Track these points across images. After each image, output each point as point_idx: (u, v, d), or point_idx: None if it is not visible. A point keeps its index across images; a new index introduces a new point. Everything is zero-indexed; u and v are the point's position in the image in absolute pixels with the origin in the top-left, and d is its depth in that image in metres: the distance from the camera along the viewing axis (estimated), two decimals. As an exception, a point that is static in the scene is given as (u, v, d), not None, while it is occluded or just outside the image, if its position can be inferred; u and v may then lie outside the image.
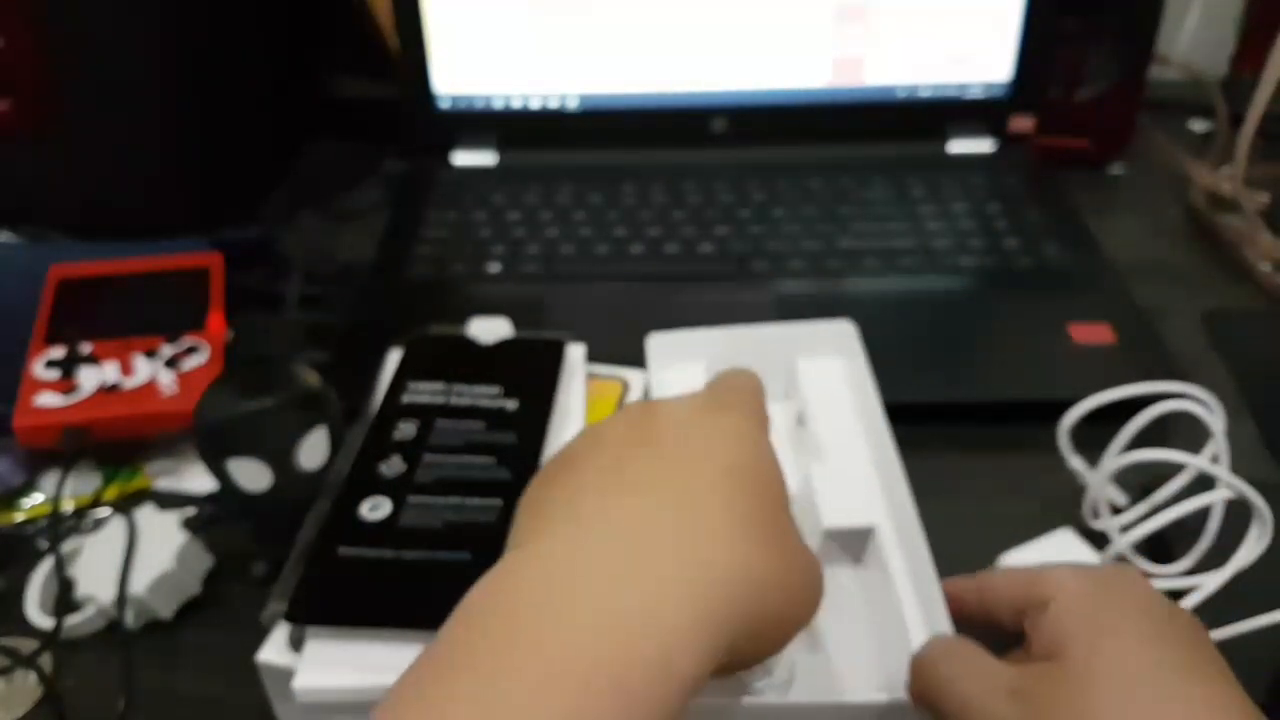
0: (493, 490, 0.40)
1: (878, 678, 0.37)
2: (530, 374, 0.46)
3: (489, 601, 0.27)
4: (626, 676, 0.25)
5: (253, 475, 0.44)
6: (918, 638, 0.36)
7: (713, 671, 0.27)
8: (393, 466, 0.41)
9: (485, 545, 0.38)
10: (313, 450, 0.44)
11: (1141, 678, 0.29)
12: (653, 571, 0.27)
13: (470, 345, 0.48)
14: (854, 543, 0.41)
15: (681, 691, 0.25)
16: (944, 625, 0.36)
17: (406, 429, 0.43)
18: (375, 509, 0.39)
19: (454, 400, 0.44)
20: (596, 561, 0.27)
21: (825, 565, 0.34)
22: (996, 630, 0.35)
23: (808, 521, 0.41)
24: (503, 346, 0.48)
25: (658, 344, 0.49)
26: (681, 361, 0.48)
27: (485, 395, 0.45)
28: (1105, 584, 0.33)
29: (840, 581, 0.41)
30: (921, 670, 0.34)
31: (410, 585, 0.37)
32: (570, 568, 0.27)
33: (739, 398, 0.35)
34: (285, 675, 0.36)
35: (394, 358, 0.48)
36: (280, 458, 0.44)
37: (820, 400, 0.47)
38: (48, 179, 0.64)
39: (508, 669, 0.24)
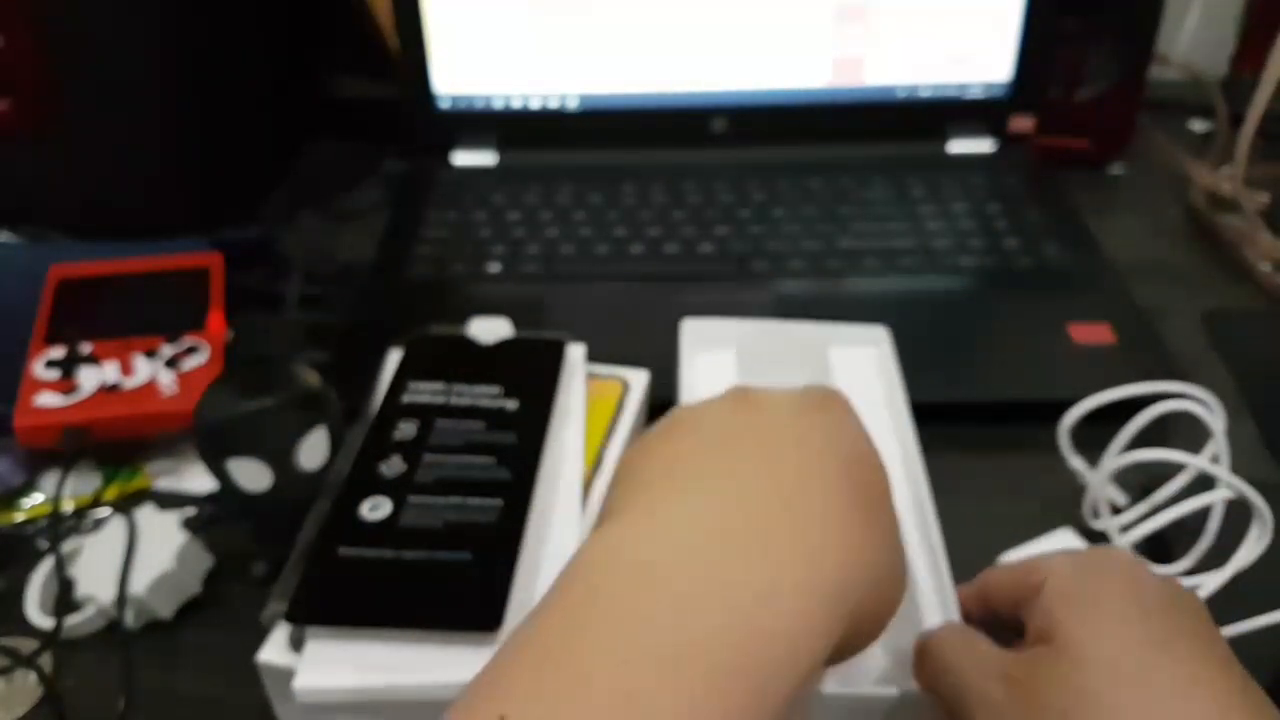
0: (493, 490, 0.40)
1: (892, 672, 0.37)
2: (530, 374, 0.46)
3: (596, 572, 0.26)
4: (753, 652, 0.24)
5: (253, 475, 0.44)
6: None
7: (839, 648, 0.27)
8: (393, 466, 0.41)
9: (486, 545, 0.38)
10: (313, 450, 0.44)
11: (1128, 654, 0.29)
12: (770, 548, 0.26)
13: (470, 345, 0.48)
14: None
15: (805, 674, 0.25)
16: (958, 620, 0.36)
17: (407, 429, 0.43)
18: (375, 509, 0.39)
19: (454, 400, 0.44)
20: (712, 531, 0.26)
21: None
22: (1003, 630, 0.35)
23: None
24: (503, 346, 0.48)
25: (691, 330, 0.49)
26: (713, 349, 0.49)
27: (485, 395, 0.45)
28: (1093, 564, 0.33)
29: None
30: (922, 657, 0.34)
31: (411, 585, 0.37)
32: (684, 535, 0.26)
33: (837, 400, 0.34)
34: (285, 675, 0.36)
35: (394, 358, 0.48)
36: (280, 458, 0.44)
37: (850, 389, 0.47)
38: (48, 179, 0.64)
39: (629, 645, 0.23)
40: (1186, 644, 0.30)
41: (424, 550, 0.38)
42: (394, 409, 0.44)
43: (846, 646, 0.29)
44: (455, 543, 0.38)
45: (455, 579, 0.37)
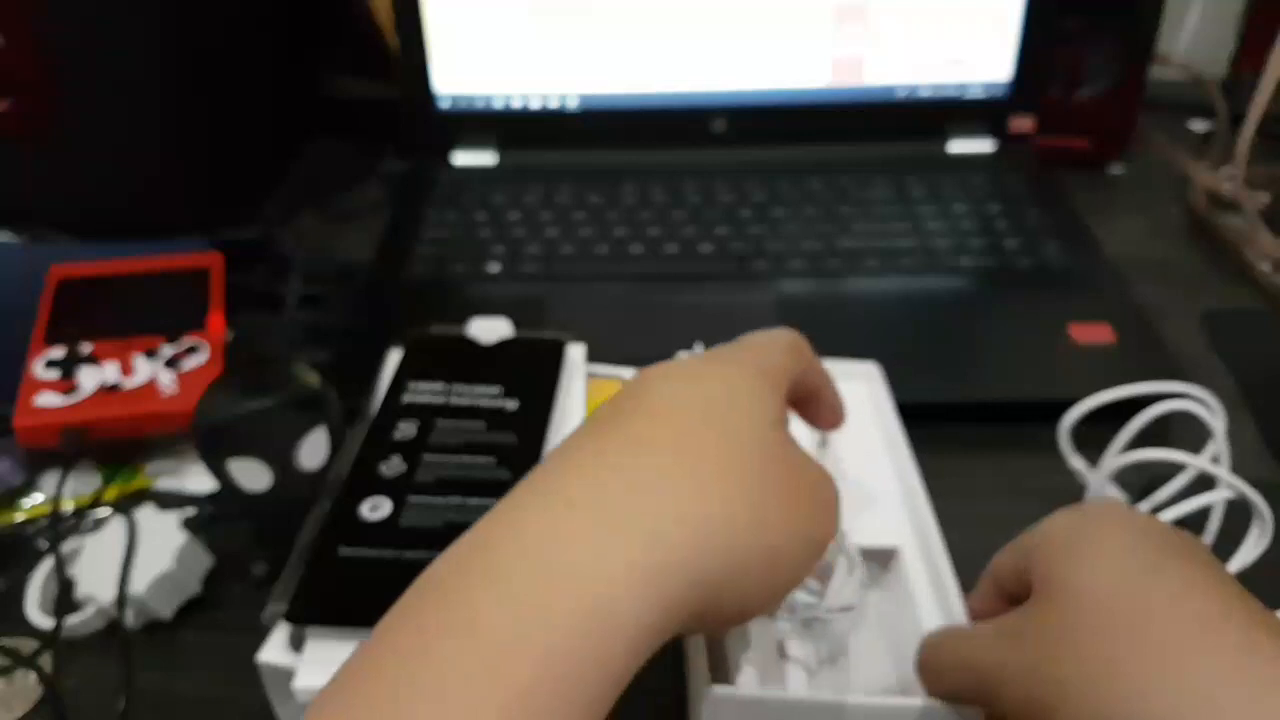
0: (493, 490, 0.40)
1: (916, 682, 0.37)
2: (531, 374, 0.46)
3: (446, 567, 0.27)
4: (588, 632, 0.24)
5: (253, 475, 0.44)
6: None
7: (699, 615, 0.27)
8: (393, 466, 0.41)
9: None
10: (313, 450, 0.44)
11: (1121, 584, 0.29)
12: (596, 525, 0.27)
13: (471, 345, 0.48)
14: (878, 563, 0.41)
15: (631, 640, 0.25)
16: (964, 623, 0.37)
17: (407, 429, 0.43)
18: (375, 509, 0.39)
19: (454, 400, 0.44)
20: (538, 523, 0.27)
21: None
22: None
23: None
24: (503, 346, 0.48)
25: None
26: None
27: (485, 395, 0.45)
28: (1086, 514, 0.33)
29: (864, 601, 0.41)
30: (922, 670, 0.34)
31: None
32: (511, 531, 0.27)
33: (737, 352, 0.34)
34: (285, 675, 0.36)
35: (394, 358, 0.48)
36: (280, 458, 0.44)
37: (845, 430, 0.47)
38: (48, 179, 0.64)
39: (445, 639, 0.24)
40: (1178, 563, 0.30)
41: (424, 550, 0.37)
42: (394, 409, 0.44)
43: (707, 621, 0.29)
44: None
45: None
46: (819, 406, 0.39)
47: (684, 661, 0.39)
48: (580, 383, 0.48)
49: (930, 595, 0.39)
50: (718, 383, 0.32)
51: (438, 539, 0.38)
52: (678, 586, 0.26)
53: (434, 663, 0.24)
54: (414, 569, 0.37)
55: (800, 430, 0.49)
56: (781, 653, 0.38)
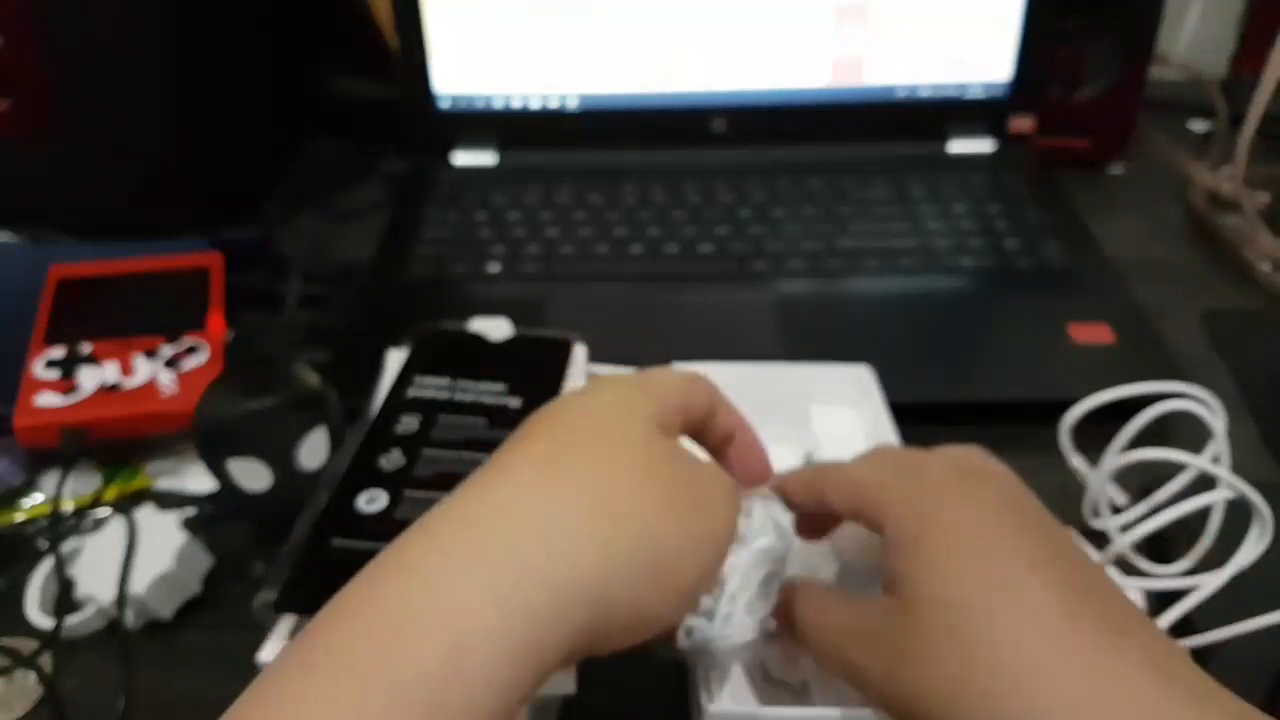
0: None
1: None
2: (536, 372, 0.46)
3: (342, 593, 0.27)
4: (418, 659, 0.24)
5: (252, 475, 0.44)
6: None
7: (592, 631, 0.27)
8: (392, 460, 0.41)
9: None
10: (313, 450, 0.44)
11: (971, 604, 0.29)
12: (458, 553, 0.27)
13: (478, 342, 0.48)
14: (874, 574, 0.41)
15: (503, 665, 0.25)
16: None
17: (409, 423, 0.43)
18: (372, 502, 0.39)
19: (458, 396, 0.44)
20: (414, 557, 0.27)
21: None
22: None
23: (824, 562, 0.41)
24: (510, 344, 0.48)
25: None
26: None
27: (490, 392, 0.45)
28: (928, 491, 0.32)
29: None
30: (788, 613, 0.34)
31: None
32: (393, 562, 0.27)
33: (626, 375, 0.35)
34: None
35: (395, 357, 0.48)
36: (280, 457, 0.44)
37: (831, 446, 0.47)
38: (48, 179, 0.64)
39: (352, 672, 0.24)
40: (1028, 567, 0.29)
41: None
42: (398, 403, 0.44)
43: (608, 637, 0.28)
44: None
45: None
46: (739, 451, 0.37)
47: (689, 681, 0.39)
48: (583, 382, 0.48)
49: None
50: (598, 394, 0.33)
51: None
52: (551, 605, 0.26)
53: (303, 688, 0.25)
54: None
55: (786, 450, 0.50)
56: (765, 675, 0.38)
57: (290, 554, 0.38)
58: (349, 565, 0.37)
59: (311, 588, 0.37)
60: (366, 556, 0.37)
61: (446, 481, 0.40)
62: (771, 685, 0.37)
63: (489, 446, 0.41)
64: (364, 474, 0.40)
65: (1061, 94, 0.73)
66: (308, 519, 0.39)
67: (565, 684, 0.36)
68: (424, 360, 0.46)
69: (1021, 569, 0.29)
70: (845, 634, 0.32)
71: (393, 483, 0.40)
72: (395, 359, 0.48)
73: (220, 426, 0.44)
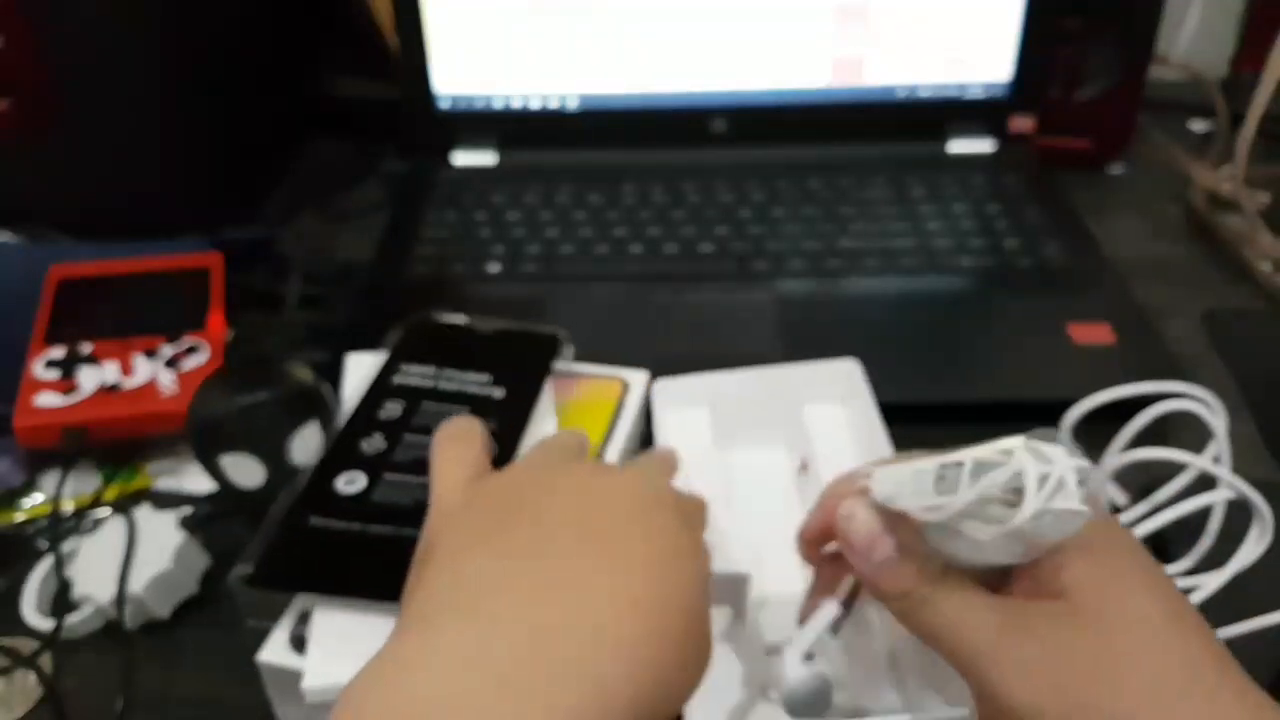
0: None
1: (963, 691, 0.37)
2: (521, 365, 0.47)
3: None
4: None
5: (246, 471, 0.44)
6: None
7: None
8: (374, 443, 0.42)
9: None
10: (306, 446, 0.45)
11: (1156, 627, 0.28)
12: (528, 686, 0.26)
13: (467, 332, 0.49)
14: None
15: None
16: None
17: (393, 409, 0.44)
18: (351, 483, 0.40)
19: (443, 384, 0.45)
20: (476, 673, 0.26)
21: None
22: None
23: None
24: (499, 336, 0.49)
25: (662, 389, 0.49)
26: (686, 407, 0.49)
27: (474, 382, 0.46)
28: (1102, 524, 0.31)
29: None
30: (898, 590, 0.31)
31: (374, 559, 0.38)
32: (446, 679, 0.26)
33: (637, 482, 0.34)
34: (286, 675, 0.36)
35: (356, 361, 0.48)
36: (273, 453, 0.44)
37: (826, 446, 0.47)
38: (48, 179, 0.64)
39: None
40: (1197, 623, 0.29)
41: (391, 526, 0.38)
42: (384, 389, 0.45)
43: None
44: (422, 520, 0.39)
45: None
46: None
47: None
48: (568, 376, 0.49)
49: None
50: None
51: (406, 516, 0.39)
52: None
53: None
54: (379, 544, 0.38)
55: (780, 456, 0.50)
56: (766, 697, 0.38)
57: (267, 530, 0.39)
58: (325, 543, 0.38)
59: (287, 563, 0.37)
60: (340, 536, 0.38)
61: (424, 466, 0.41)
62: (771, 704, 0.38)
63: None
64: (345, 456, 0.41)
65: (1061, 94, 0.73)
66: (287, 497, 0.40)
67: None
68: (412, 349, 0.47)
69: (1185, 607, 0.29)
70: (984, 612, 0.30)
71: (372, 465, 0.41)
72: (359, 362, 0.48)
73: (213, 422, 0.44)
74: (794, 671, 0.34)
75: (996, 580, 0.31)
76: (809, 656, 0.34)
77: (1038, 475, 0.27)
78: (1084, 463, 0.27)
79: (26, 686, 0.43)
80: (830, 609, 0.35)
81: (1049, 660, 0.28)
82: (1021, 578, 0.31)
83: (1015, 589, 0.31)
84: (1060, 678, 0.28)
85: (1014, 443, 0.28)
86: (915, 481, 0.30)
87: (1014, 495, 0.27)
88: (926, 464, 0.29)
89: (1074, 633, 0.28)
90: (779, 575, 0.41)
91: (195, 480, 0.51)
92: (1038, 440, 0.28)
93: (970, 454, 0.28)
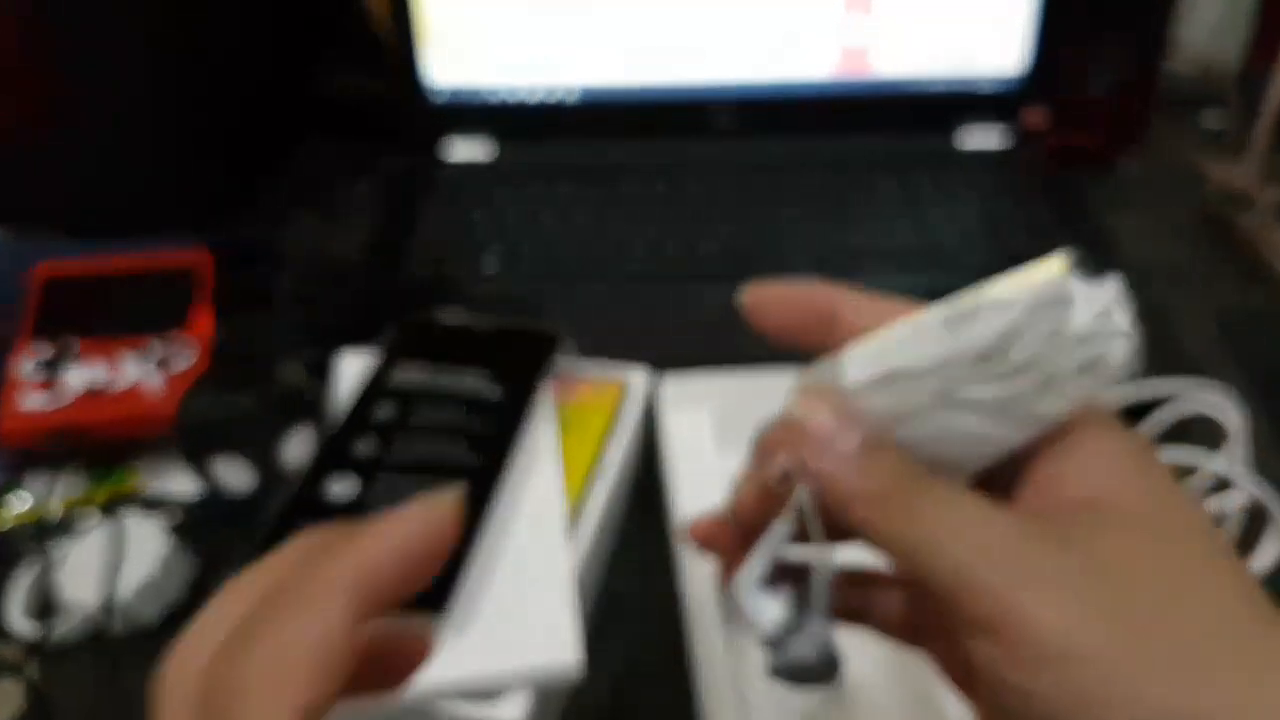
0: (460, 475, 0.40)
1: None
2: (518, 363, 0.46)
3: None
4: None
5: (236, 473, 0.43)
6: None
7: None
8: (367, 445, 0.41)
9: None
10: (297, 448, 0.44)
11: (1214, 541, 0.23)
12: None
13: (464, 331, 0.48)
14: None
15: None
16: None
17: (387, 409, 0.43)
18: (343, 486, 0.39)
19: (439, 384, 0.44)
20: None
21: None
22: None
23: None
24: (495, 334, 0.48)
25: (670, 389, 0.49)
26: (691, 408, 0.48)
27: (470, 381, 0.45)
28: (1137, 436, 0.25)
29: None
30: (873, 490, 0.24)
31: None
32: None
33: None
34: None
35: (349, 360, 0.47)
36: (263, 455, 0.43)
37: None
38: (40, 177, 0.63)
39: None
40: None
41: None
42: (378, 388, 0.44)
43: None
44: None
45: None
46: None
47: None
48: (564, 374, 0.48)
49: None
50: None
51: None
52: None
53: None
54: None
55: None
56: (776, 705, 0.37)
57: (257, 536, 0.38)
58: None
59: None
60: None
61: (418, 468, 0.40)
62: None
63: (463, 435, 0.42)
64: (337, 458, 0.40)
65: (1073, 88, 0.72)
66: (277, 502, 0.39)
67: (571, 671, 0.35)
68: (407, 347, 0.46)
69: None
70: (1003, 524, 0.22)
71: (366, 468, 0.40)
72: (349, 363, 0.47)
73: (203, 424, 0.43)
74: (764, 611, 0.27)
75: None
76: (768, 582, 0.27)
77: (1085, 293, 0.22)
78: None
79: (11, 693, 0.42)
80: (781, 528, 0.27)
81: (1096, 574, 0.21)
82: (1029, 487, 0.24)
83: (1020, 503, 0.24)
84: (1112, 596, 0.21)
85: (1037, 273, 0.24)
86: (914, 338, 0.24)
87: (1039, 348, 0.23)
88: (923, 317, 0.24)
89: (1124, 539, 0.22)
90: None
91: (184, 483, 0.50)
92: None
93: (981, 295, 0.24)
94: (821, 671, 0.27)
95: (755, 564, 0.27)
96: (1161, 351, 0.55)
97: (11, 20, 0.57)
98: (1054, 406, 0.23)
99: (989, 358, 0.23)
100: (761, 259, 0.61)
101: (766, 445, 0.27)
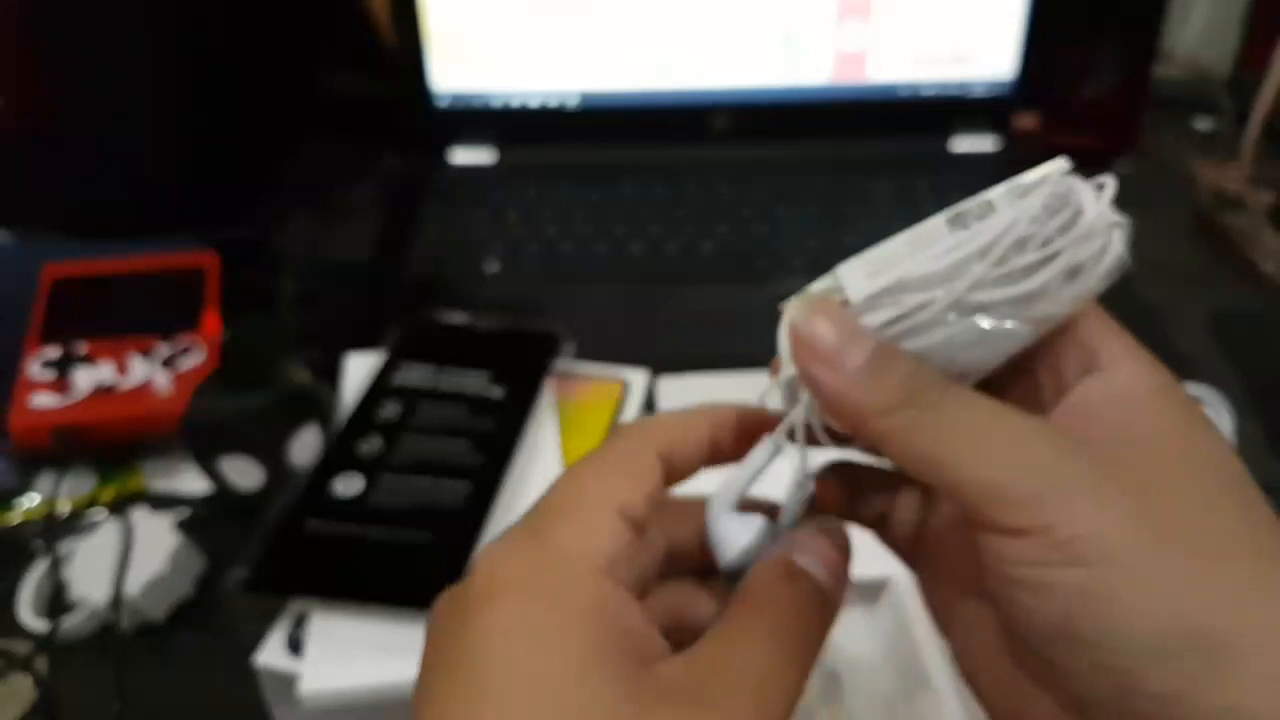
0: (464, 473, 0.41)
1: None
2: (521, 363, 0.47)
3: None
4: None
5: (244, 473, 0.44)
6: (940, 682, 0.36)
7: None
8: (372, 445, 0.42)
9: (448, 526, 0.39)
10: (305, 448, 0.44)
11: (1232, 464, 0.22)
12: None
13: (467, 331, 0.49)
14: (869, 592, 0.41)
15: None
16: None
17: (391, 409, 0.43)
18: (348, 485, 0.40)
19: (442, 384, 0.45)
20: None
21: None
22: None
23: None
24: (498, 334, 0.49)
25: (668, 389, 0.49)
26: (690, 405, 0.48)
27: (473, 381, 0.45)
28: (1162, 367, 0.25)
29: (857, 632, 0.40)
30: (889, 403, 0.22)
31: (370, 561, 0.38)
32: None
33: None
34: (282, 677, 0.36)
35: (356, 361, 0.48)
36: (271, 455, 0.43)
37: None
38: (43, 178, 0.63)
39: None
40: None
41: (388, 528, 0.38)
42: (382, 389, 0.44)
43: None
44: (419, 522, 0.38)
45: (413, 558, 0.38)
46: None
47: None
48: (567, 373, 0.48)
49: (926, 624, 0.38)
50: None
51: (403, 518, 0.39)
52: None
53: None
54: (376, 546, 0.38)
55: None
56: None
57: (264, 534, 0.38)
58: (321, 547, 0.38)
59: (283, 567, 0.37)
60: (337, 539, 0.38)
61: (422, 467, 0.41)
62: None
63: (467, 434, 0.42)
64: (342, 458, 0.41)
65: (1066, 92, 0.72)
66: (283, 500, 0.40)
67: None
68: (411, 348, 0.47)
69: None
70: (1043, 451, 0.21)
71: (370, 467, 0.40)
72: (356, 364, 0.48)
73: (211, 424, 0.44)
74: (730, 537, 0.26)
75: None
76: (738, 508, 0.26)
77: (1086, 189, 0.23)
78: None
79: (21, 688, 0.43)
80: (761, 454, 0.26)
81: (1128, 487, 0.21)
82: (1058, 408, 0.24)
83: (1051, 419, 0.24)
84: (1144, 509, 0.21)
85: (1034, 174, 0.23)
86: (919, 243, 0.23)
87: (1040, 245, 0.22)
88: (925, 223, 0.24)
89: (1154, 460, 0.22)
90: None
91: (191, 482, 0.50)
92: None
93: (982, 197, 0.23)
94: None
95: (730, 488, 0.27)
96: (1153, 353, 0.55)
97: (14, 25, 0.57)
98: (1070, 300, 0.23)
99: (1003, 254, 0.22)
100: (759, 260, 0.62)
101: (773, 364, 0.26)
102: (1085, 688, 0.21)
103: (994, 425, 0.22)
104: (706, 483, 0.27)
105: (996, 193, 0.23)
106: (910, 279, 0.23)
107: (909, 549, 0.27)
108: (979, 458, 0.22)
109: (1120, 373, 0.24)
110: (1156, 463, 0.22)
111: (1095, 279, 0.24)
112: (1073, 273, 0.23)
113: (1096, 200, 0.23)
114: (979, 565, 0.22)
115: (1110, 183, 0.24)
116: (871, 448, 0.24)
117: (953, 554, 0.25)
